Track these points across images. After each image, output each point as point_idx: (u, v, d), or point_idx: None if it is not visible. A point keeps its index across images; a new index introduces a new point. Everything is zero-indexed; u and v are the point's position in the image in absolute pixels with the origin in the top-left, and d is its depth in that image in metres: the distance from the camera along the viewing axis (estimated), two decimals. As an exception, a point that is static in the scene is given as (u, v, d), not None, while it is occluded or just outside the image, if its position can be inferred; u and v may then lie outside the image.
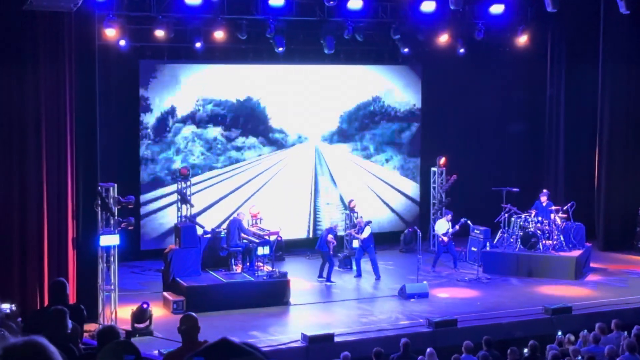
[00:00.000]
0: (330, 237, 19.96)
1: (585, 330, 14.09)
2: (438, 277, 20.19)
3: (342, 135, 23.95)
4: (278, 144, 23.29)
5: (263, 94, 22.84)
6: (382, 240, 22.63)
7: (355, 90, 23.83)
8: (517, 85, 24.82)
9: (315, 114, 23.46)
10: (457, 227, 20.78)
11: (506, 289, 19.07)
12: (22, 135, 14.67)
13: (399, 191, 24.70)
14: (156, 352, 12.63)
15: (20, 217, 14.64)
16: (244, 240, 18.73)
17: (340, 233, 21.99)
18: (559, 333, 14.76)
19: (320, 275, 19.88)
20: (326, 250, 19.88)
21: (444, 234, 20.84)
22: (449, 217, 21.09)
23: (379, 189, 24.50)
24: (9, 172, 14.64)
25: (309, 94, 23.30)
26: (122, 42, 19.92)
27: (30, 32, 14.55)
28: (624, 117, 23.07)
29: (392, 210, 24.61)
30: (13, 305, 10.89)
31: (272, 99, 22.96)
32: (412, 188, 24.76)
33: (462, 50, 22.94)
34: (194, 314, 7.39)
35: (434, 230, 21.91)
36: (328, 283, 19.63)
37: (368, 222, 20.41)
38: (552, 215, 20.61)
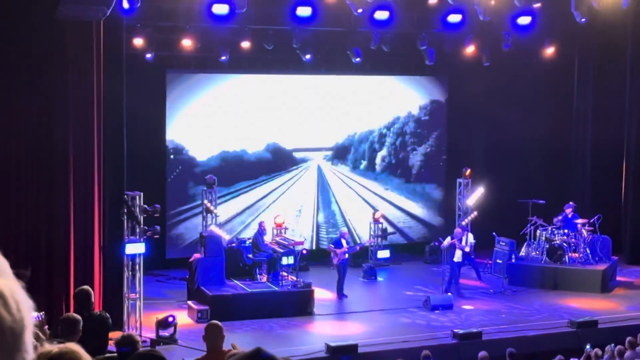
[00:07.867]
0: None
1: (613, 344, 13.95)
2: (463, 288, 20.07)
3: (367, 146, 23.95)
4: (297, 160, 23.35)
5: (288, 103, 22.90)
6: (408, 251, 22.56)
7: (382, 101, 23.81)
8: (544, 97, 24.68)
9: (339, 124, 23.52)
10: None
11: (531, 301, 18.94)
12: (50, 143, 14.76)
13: (424, 202, 24.68)
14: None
15: (47, 225, 14.73)
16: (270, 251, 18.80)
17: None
18: (588, 346, 14.60)
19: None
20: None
21: (461, 247, 20.66)
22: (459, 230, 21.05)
23: (403, 203, 24.49)
24: (37, 181, 14.73)
25: (335, 104, 23.33)
26: (149, 52, 20.03)
27: (59, 42, 14.65)
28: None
29: (418, 220, 24.55)
30: (42, 313, 10.94)
31: (298, 109, 23.01)
32: (437, 197, 24.76)
33: (488, 62, 22.87)
34: (219, 322, 7.40)
35: (460, 243, 21.73)
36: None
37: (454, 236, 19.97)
38: (578, 228, 20.47)
